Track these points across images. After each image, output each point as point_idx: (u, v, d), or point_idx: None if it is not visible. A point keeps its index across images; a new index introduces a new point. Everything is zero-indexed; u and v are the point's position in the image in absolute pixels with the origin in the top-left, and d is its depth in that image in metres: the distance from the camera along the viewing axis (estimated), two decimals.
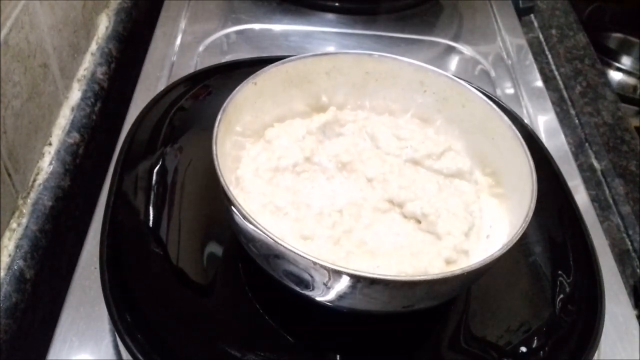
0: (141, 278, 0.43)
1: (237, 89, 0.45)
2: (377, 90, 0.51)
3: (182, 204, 0.48)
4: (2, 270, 0.47)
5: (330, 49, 0.76)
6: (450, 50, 0.79)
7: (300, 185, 0.44)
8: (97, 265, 0.44)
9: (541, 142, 0.57)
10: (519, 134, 0.45)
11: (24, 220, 0.51)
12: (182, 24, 0.75)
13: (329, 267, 0.35)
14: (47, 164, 0.56)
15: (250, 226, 0.36)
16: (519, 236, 0.38)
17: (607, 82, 0.87)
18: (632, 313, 0.52)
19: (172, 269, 0.44)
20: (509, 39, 0.81)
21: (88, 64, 0.66)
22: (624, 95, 1.06)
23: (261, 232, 0.36)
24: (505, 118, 0.46)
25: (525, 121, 0.63)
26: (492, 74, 0.75)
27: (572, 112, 0.83)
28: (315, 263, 0.35)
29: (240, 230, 0.39)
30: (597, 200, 0.71)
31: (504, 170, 0.46)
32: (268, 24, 0.78)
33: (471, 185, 0.47)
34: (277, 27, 0.77)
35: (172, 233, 0.46)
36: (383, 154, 0.47)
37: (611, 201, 0.71)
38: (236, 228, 0.40)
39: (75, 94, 0.62)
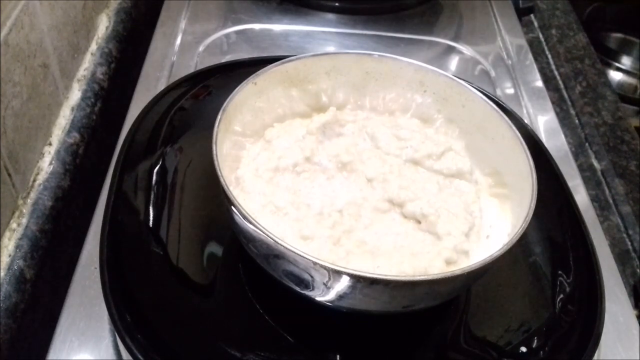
0: (141, 278, 0.43)
1: (237, 89, 0.45)
2: (377, 90, 0.51)
3: (182, 204, 0.48)
4: (2, 270, 0.47)
5: (330, 49, 0.76)
6: (450, 50, 0.79)
7: (300, 185, 0.44)
8: (97, 265, 0.44)
9: (541, 142, 0.57)
10: (519, 134, 0.45)
11: (24, 220, 0.51)
12: (182, 24, 0.75)
13: (329, 267, 0.35)
14: (47, 164, 0.56)
15: (250, 226, 0.36)
16: (519, 236, 0.38)
17: (607, 82, 0.87)
18: (632, 313, 0.52)
19: (172, 269, 0.44)
20: (509, 39, 0.81)
21: (88, 64, 0.66)
22: (624, 95, 1.06)
23: (261, 232, 0.36)
24: (505, 118, 0.46)
25: (525, 121, 0.63)
26: (492, 74, 0.75)
27: (572, 112, 0.83)
28: (315, 263, 0.35)
29: (240, 231, 0.39)
30: (597, 200, 0.71)
31: (504, 170, 0.46)
32: (268, 24, 0.78)
33: (471, 185, 0.47)
34: (277, 27, 0.78)
35: (172, 233, 0.46)
36: (383, 154, 0.47)
37: (611, 201, 0.71)
38: (236, 228, 0.40)
39: (75, 94, 0.62)
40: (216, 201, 0.42)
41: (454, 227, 0.42)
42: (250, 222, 0.36)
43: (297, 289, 0.39)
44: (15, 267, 0.48)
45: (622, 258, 0.65)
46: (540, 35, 0.95)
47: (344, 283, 0.36)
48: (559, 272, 0.47)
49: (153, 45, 0.71)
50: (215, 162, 0.39)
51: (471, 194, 0.46)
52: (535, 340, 0.43)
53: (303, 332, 0.43)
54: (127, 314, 0.40)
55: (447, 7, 0.86)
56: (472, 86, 0.49)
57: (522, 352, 0.42)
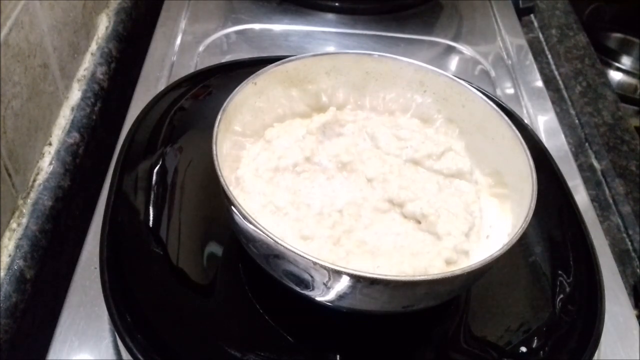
0: (141, 278, 0.43)
1: (237, 89, 0.45)
2: (377, 90, 0.51)
3: (182, 204, 0.48)
4: (2, 270, 0.47)
5: (330, 49, 0.76)
6: (450, 50, 0.79)
7: (300, 185, 0.44)
8: (97, 265, 0.44)
9: (541, 142, 0.57)
10: (519, 134, 0.45)
11: (24, 220, 0.51)
12: (182, 24, 0.75)
13: (329, 267, 0.35)
14: (47, 164, 0.56)
15: (250, 226, 0.36)
16: (519, 236, 0.38)
17: (607, 82, 0.87)
18: (632, 313, 0.52)
19: (172, 269, 0.44)
20: (509, 39, 0.81)
21: (88, 64, 0.66)
22: (624, 95, 1.06)
23: (261, 232, 0.36)
24: (505, 118, 0.46)
25: (525, 121, 0.63)
26: (492, 74, 0.75)
27: (572, 112, 0.83)
28: (315, 263, 0.35)
29: (240, 231, 0.39)
30: (597, 200, 0.71)
31: (504, 170, 0.46)
32: (268, 24, 0.78)
33: (471, 185, 0.47)
34: (277, 27, 0.78)
35: (172, 233, 0.46)
36: (383, 154, 0.47)
37: (611, 201, 0.71)
38: (236, 228, 0.40)
39: (75, 94, 0.62)
40: (216, 201, 0.42)
41: (454, 227, 0.42)
42: (250, 222, 0.36)
43: (297, 289, 0.39)
44: (15, 267, 0.48)
45: (622, 258, 0.65)
46: (540, 35, 0.95)
47: (344, 283, 0.36)
48: (559, 272, 0.47)
49: (153, 45, 0.71)
50: (215, 162, 0.39)
51: (471, 194, 0.46)
52: (535, 340, 0.43)
53: (303, 332, 0.43)
54: (127, 314, 0.40)
55: (447, 7, 0.86)
56: (472, 86, 0.49)
57: (522, 352, 0.42)
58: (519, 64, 0.78)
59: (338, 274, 0.35)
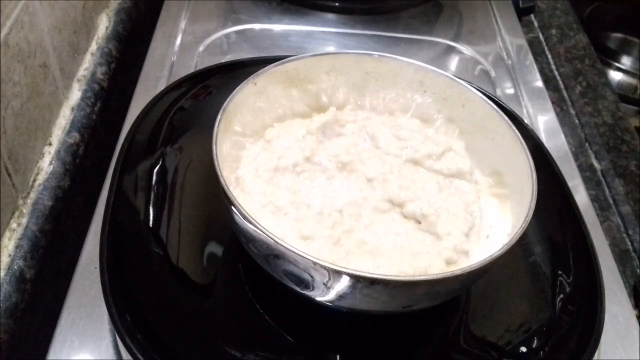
0: (141, 278, 0.43)
1: (237, 89, 0.45)
2: (377, 90, 0.51)
3: (182, 204, 0.48)
4: (2, 270, 0.47)
5: (330, 49, 0.76)
6: (450, 50, 0.79)
7: (300, 185, 0.44)
8: (97, 265, 0.44)
9: (541, 142, 0.57)
10: (519, 134, 0.45)
11: (24, 220, 0.51)
12: (182, 24, 0.75)
13: (329, 267, 0.35)
14: (47, 164, 0.56)
15: (250, 226, 0.36)
16: (518, 236, 0.38)
17: (607, 82, 0.87)
18: (632, 313, 0.52)
19: (172, 269, 0.44)
20: (509, 39, 0.81)
21: (88, 64, 0.66)
22: (624, 95, 1.06)
23: (261, 232, 0.36)
24: (505, 118, 0.46)
25: (525, 121, 0.63)
26: (492, 74, 0.75)
27: (572, 112, 0.83)
28: (315, 263, 0.35)
29: (240, 231, 0.39)
30: (597, 200, 0.71)
31: (504, 170, 0.46)
32: (268, 24, 0.78)
33: (471, 185, 0.47)
34: (277, 27, 0.78)
35: (172, 233, 0.46)
36: (383, 154, 0.47)
37: (611, 201, 0.71)
38: (236, 228, 0.40)
39: (75, 94, 0.62)
40: (216, 201, 0.42)
41: (454, 227, 0.42)
42: (250, 222, 0.36)
43: (297, 289, 0.39)
44: (15, 267, 0.48)
45: (622, 258, 0.66)
46: (540, 35, 0.95)
47: (344, 283, 0.36)
48: (559, 272, 0.47)
49: (153, 45, 0.71)
50: (215, 162, 0.39)
51: (471, 194, 0.46)
52: (535, 340, 0.43)
53: (303, 332, 0.43)
54: (127, 314, 0.40)
55: (447, 7, 0.86)
56: (472, 86, 0.49)
57: (522, 352, 0.42)
58: (519, 64, 0.78)
59: (338, 274, 0.35)
